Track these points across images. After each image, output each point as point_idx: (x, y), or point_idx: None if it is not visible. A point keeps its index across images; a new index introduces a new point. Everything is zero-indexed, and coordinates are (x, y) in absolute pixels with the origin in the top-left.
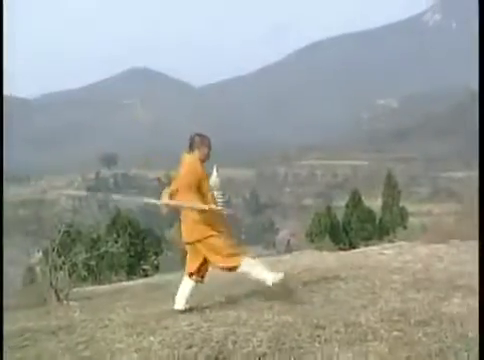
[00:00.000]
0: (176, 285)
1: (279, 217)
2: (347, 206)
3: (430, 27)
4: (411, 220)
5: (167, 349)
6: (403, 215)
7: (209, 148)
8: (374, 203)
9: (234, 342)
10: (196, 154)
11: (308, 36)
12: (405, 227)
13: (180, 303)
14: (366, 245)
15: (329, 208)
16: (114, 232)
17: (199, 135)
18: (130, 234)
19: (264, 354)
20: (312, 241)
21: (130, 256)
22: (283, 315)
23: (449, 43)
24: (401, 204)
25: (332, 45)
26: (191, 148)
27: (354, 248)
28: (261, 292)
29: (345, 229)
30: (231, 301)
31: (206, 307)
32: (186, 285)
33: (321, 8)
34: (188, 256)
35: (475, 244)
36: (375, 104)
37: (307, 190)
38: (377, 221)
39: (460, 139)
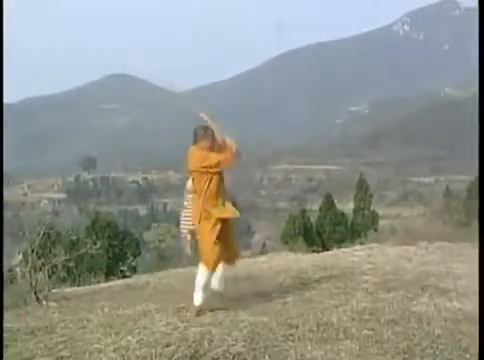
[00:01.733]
0: (154, 286)
1: (255, 220)
2: (320, 209)
3: (400, 37)
4: (382, 223)
5: (145, 348)
6: (374, 218)
7: (213, 139)
8: (346, 206)
9: (210, 341)
10: (200, 144)
11: (284, 44)
12: (376, 230)
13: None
14: (338, 247)
15: (303, 211)
16: (93, 234)
17: (202, 127)
18: (109, 236)
19: (239, 353)
20: (286, 243)
21: (108, 258)
22: (258, 315)
23: (417, 53)
24: (372, 207)
25: (306, 53)
26: (195, 140)
27: (327, 250)
28: (237, 292)
29: (318, 232)
30: (207, 302)
31: (183, 308)
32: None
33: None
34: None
35: (442, 245)
36: (348, 110)
37: (282, 193)
38: (349, 224)
39: (428, 144)
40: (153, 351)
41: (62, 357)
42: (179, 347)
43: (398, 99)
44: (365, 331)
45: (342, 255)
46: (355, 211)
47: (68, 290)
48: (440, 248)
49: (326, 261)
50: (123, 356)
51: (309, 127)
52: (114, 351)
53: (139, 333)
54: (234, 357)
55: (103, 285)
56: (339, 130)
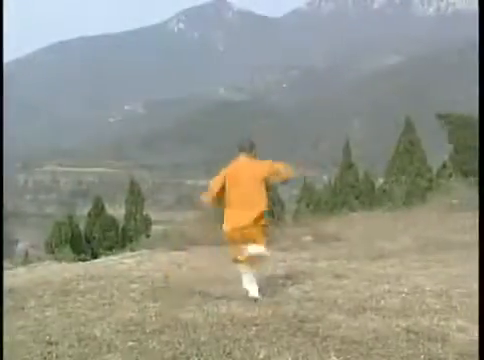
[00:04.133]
0: None
1: (19, 227)
2: (89, 215)
3: (175, 34)
4: (154, 228)
5: None
6: (146, 223)
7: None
8: (118, 211)
9: None
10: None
11: (55, 34)
12: (148, 235)
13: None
14: (108, 254)
15: (71, 217)
16: None
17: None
18: None
19: None
20: (52, 252)
21: None
22: (14, 334)
23: (191, 52)
24: (145, 212)
25: (76, 46)
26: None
27: (96, 258)
28: None
29: (87, 238)
30: None
31: None
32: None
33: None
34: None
35: (213, 250)
36: (122, 109)
37: (50, 198)
38: (120, 230)
39: (203, 146)
40: None
41: None
42: None
43: (173, 99)
44: (130, 343)
45: (111, 263)
46: (126, 216)
47: None
48: (211, 253)
49: (93, 270)
50: None
51: (80, 126)
52: None
53: None
54: None
55: None
56: (112, 130)
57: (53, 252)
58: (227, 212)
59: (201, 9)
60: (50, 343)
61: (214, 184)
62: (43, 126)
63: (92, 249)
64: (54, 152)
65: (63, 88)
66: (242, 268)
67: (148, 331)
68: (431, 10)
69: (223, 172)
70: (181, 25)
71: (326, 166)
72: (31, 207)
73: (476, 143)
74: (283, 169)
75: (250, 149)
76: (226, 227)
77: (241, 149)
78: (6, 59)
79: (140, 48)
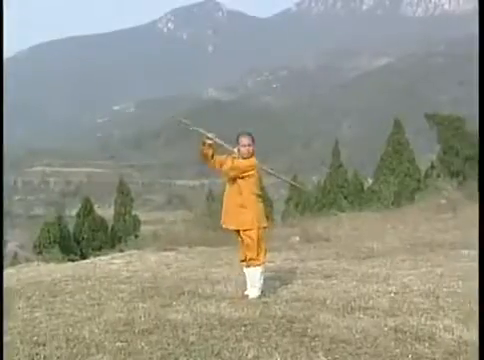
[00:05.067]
0: None
1: (8, 228)
2: (78, 215)
3: (164, 35)
4: (144, 228)
5: None
6: (136, 223)
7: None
8: (108, 211)
9: None
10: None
11: (45, 34)
12: (137, 236)
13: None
14: (97, 255)
15: (59, 217)
16: None
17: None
18: None
19: None
20: (40, 253)
21: None
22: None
23: (181, 52)
24: (134, 212)
25: (69, 46)
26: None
27: (85, 258)
28: None
29: (76, 239)
30: None
31: None
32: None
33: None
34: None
35: (202, 250)
36: (111, 110)
37: (38, 198)
38: (109, 230)
39: (194, 147)
40: None
41: None
42: None
43: (163, 99)
44: (118, 343)
45: (100, 263)
46: (116, 216)
47: None
48: (200, 253)
49: (82, 271)
50: None
51: (69, 126)
52: None
53: None
54: None
55: None
56: (101, 130)
57: (42, 253)
58: None
59: (191, 9)
60: (38, 344)
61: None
62: (32, 126)
63: (81, 250)
64: (43, 152)
65: (52, 88)
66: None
67: (137, 331)
68: (419, 11)
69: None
70: (170, 25)
71: (316, 167)
72: (20, 208)
73: (464, 144)
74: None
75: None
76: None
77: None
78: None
79: (130, 48)
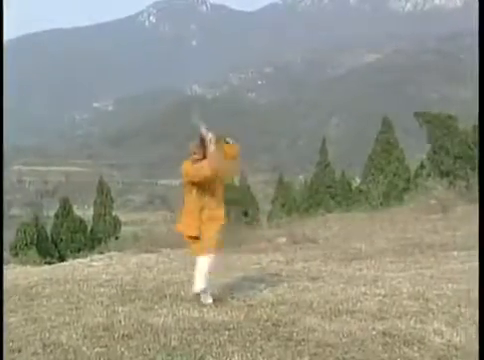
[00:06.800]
0: None
1: None
2: (56, 216)
3: (146, 29)
4: (125, 229)
5: None
6: (116, 224)
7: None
8: (87, 212)
9: None
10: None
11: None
12: (117, 237)
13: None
14: (76, 257)
15: (36, 218)
16: None
17: (194, 143)
18: None
19: None
20: (16, 255)
21: None
22: None
23: (163, 47)
24: (114, 213)
25: (48, 40)
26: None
27: (63, 261)
28: None
29: (54, 241)
30: None
31: None
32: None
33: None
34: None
35: (184, 252)
36: (90, 107)
37: (14, 198)
38: (88, 231)
39: (176, 144)
40: None
41: None
42: None
43: (144, 95)
44: (97, 349)
45: (78, 266)
46: (95, 217)
47: None
48: (183, 255)
49: (60, 273)
50: None
51: (46, 123)
52: None
53: None
54: None
55: None
56: (80, 128)
57: (18, 255)
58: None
59: (173, 2)
60: (13, 350)
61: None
62: (7, 123)
63: (59, 252)
64: (19, 150)
65: (29, 83)
66: None
67: (117, 336)
68: (408, 6)
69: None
70: (152, 19)
71: (303, 165)
72: None
73: (455, 143)
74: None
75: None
76: None
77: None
78: None
79: (110, 43)
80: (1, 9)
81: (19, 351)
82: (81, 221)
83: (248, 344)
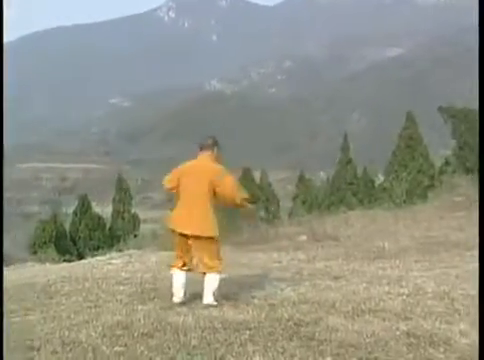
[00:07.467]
0: None
1: None
2: (75, 213)
3: (165, 23)
4: (143, 227)
5: None
6: (135, 222)
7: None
8: (105, 209)
9: None
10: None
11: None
12: (136, 235)
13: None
14: (95, 255)
15: (55, 215)
16: None
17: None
18: None
19: None
20: (35, 253)
21: None
22: None
23: (182, 41)
24: (133, 210)
25: (65, 35)
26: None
27: (82, 258)
28: None
29: (72, 238)
30: None
31: None
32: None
33: None
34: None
35: None
36: (107, 103)
37: (31, 196)
38: (107, 229)
39: (196, 141)
40: None
41: None
42: None
43: (162, 91)
44: (117, 347)
45: (97, 264)
46: (114, 215)
47: None
48: None
49: (79, 271)
50: None
51: (62, 120)
52: None
53: None
54: None
55: None
56: (97, 125)
57: (36, 253)
58: (174, 212)
59: None
60: (32, 348)
61: (167, 182)
62: (24, 120)
63: (78, 249)
64: (35, 148)
65: (46, 80)
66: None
67: (136, 335)
68: None
69: (176, 171)
70: (171, 13)
71: (324, 161)
72: (11, 206)
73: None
74: (230, 185)
75: (211, 148)
76: (170, 226)
77: (201, 147)
78: None
79: (128, 37)
80: (1, 9)
81: (38, 349)
82: (100, 218)
83: (269, 344)
